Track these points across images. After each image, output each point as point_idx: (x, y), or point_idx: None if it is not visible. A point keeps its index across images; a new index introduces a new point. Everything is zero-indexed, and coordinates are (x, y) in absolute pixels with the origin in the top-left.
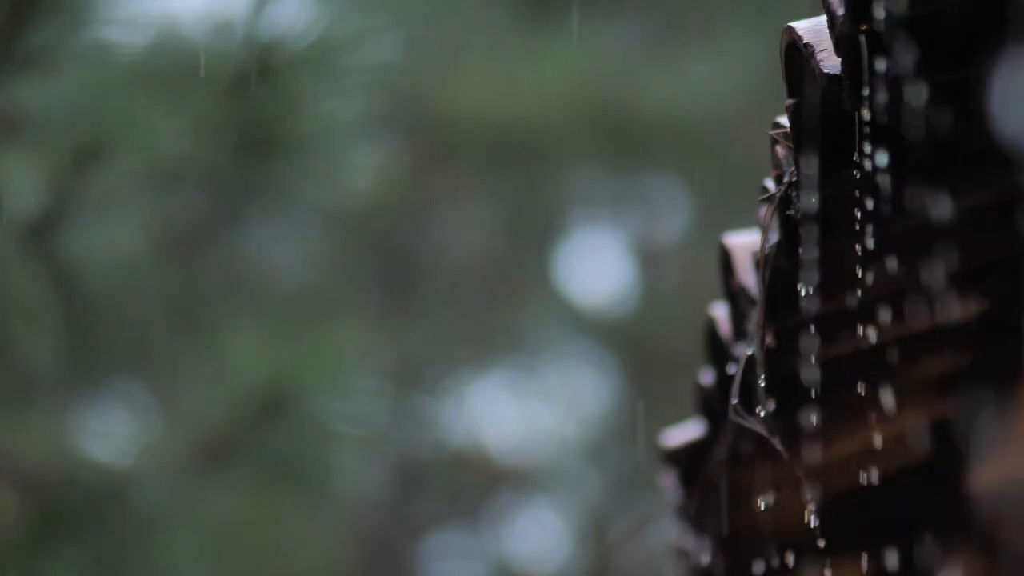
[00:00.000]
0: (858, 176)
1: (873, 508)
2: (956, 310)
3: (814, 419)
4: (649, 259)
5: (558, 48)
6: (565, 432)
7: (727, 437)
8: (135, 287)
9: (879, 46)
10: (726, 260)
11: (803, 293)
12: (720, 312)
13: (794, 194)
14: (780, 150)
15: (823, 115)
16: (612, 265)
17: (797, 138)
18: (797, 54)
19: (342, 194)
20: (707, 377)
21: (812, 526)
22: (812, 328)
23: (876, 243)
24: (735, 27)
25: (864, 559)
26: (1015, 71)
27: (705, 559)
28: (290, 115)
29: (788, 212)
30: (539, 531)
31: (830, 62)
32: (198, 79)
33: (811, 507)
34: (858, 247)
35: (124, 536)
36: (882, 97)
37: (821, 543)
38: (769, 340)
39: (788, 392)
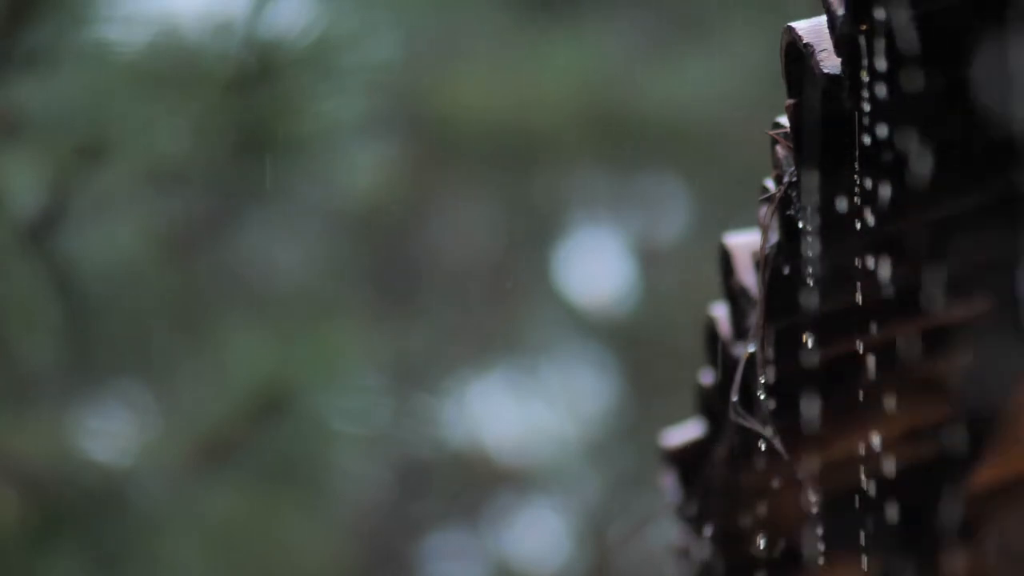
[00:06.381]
0: (858, 176)
1: (873, 508)
2: (956, 310)
3: (814, 419)
4: (649, 259)
5: (558, 48)
6: (565, 432)
7: (727, 437)
8: (135, 287)
9: (879, 46)
10: (726, 260)
11: (803, 293)
12: (720, 312)
13: (794, 194)
14: (780, 150)
15: (823, 115)
16: (612, 265)
17: (797, 138)
18: (797, 54)
19: (342, 194)
20: (707, 377)
21: (812, 526)
22: (812, 328)
23: (876, 243)
24: (735, 27)
25: (864, 559)
26: (1015, 70)
27: (705, 559)
28: (290, 115)
29: (788, 212)
30: (539, 531)
31: (830, 62)
32: (198, 79)
33: (811, 507)
34: (858, 247)
35: (124, 536)
36: (882, 97)
37: (821, 543)
38: (769, 340)
39: (788, 392)
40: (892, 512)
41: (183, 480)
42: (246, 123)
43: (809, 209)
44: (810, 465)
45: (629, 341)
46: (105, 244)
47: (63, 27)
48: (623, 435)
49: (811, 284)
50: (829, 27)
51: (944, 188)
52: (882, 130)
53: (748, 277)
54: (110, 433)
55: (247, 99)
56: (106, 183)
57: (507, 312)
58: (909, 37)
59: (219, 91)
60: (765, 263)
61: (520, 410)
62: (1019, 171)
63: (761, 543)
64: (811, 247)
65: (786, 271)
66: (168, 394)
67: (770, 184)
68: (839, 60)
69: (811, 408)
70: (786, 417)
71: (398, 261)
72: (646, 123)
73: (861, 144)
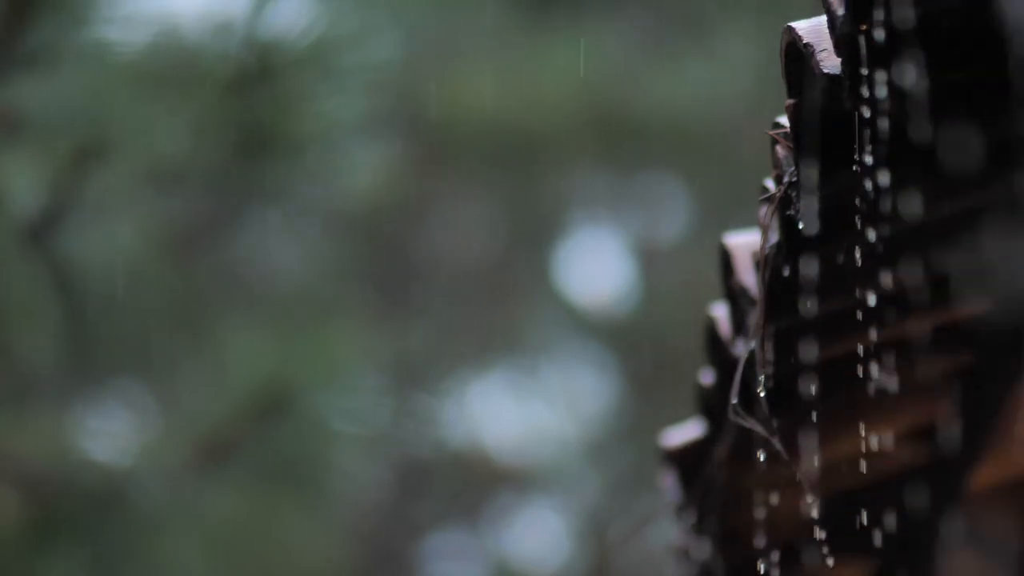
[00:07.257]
0: (858, 176)
1: (873, 508)
2: (956, 310)
3: (814, 419)
4: (649, 259)
5: (558, 48)
6: (565, 432)
7: (727, 437)
8: (135, 287)
9: (879, 46)
10: (726, 260)
11: (803, 293)
12: (720, 312)
13: (794, 194)
14: (780, 150)
15: (823, 115)
16: (612, 265)
17: (797, 138)
18: (797, 54)
19: (342, 194)
20: (707, 377)
21: (812, 526)
22: (812, 328)
23: (876, 243)
24: (735, 27)
25: (864, 559)
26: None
27: (705, 559)
28: (290, 115)
29: (788, 212)
30: (539, 531)
31: (830, 62)
32: (198, 79)
33: (811, 507)
34: (858, 247)
35: (124, 536)
36: (882, 97)
37: (821, 543)
38: (769, 340)
39: (788, 392)
40: (892, 512)
41: (183, 480)
42: (246, 123)
43: (809, 209)
44: (810, 465)
45: (629, 341)
46: (105, 244)
47: (63, 27)
48: (623, 435)
49: (811, 284)
50: (829, 27)
51: (945, 188)
52: (882, 129)
53: (748, 277)
54: (110, 433)
55: (247, 99)
56: (106, 183)
57: (507, 312)
58: (909, 37)
59: (219, 91)
60: (765, 263)
61: (520, 410)
62: (1020, 171)
63: (761, 543)
64: (811, 247)
65: (786, 271)
66: (168, 394)
67: (770, 184)
68: (839, 60)
69: (811, 408)
70: (786, 417)
71: (398, 261)
72: (646, 123)
73: (861, 144)
